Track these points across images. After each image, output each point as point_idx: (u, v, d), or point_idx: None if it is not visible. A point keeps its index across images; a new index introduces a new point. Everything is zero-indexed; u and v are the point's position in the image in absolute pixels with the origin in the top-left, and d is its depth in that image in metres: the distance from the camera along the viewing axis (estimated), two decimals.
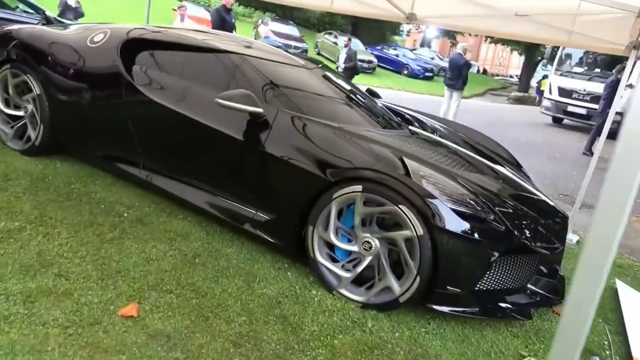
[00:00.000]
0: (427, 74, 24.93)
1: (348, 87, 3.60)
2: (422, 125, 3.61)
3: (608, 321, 2.83)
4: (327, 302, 2.45)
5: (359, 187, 2.36)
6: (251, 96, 2.69)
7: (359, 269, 2.44)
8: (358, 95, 3.55)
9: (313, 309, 2.36)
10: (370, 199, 2.36)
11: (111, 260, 2.44)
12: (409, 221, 2.26)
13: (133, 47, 3.34)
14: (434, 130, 3.53)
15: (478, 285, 2.39)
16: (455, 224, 2.25)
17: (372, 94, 4.16)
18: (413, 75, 24.45)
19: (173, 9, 18.81)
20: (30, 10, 6.76)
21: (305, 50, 21.53)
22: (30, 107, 3.55)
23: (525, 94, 24.69)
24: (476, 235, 2.28)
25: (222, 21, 7.57)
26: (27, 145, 3.56)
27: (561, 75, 13.20)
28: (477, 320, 2.52)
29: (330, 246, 2.56)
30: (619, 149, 0.83)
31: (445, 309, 2.36)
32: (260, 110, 2.67)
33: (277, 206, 2.69)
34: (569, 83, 12.84)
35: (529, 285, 2.67)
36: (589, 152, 9.42)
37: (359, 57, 22.12)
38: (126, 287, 2.24)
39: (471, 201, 2.35)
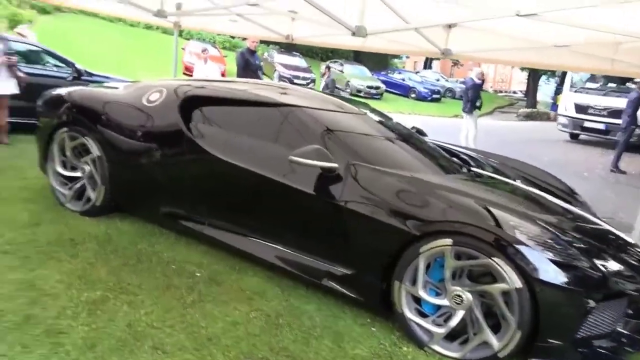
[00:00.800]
0: (434, 95, 25.12)
1: (403, 131, 3.61)
2: (480, 165, 3.59)
3: None
4: None
5: (449, 241, 2.33)
6: (323, 151, 2.70)
7: (452, 323, 2.39)
8: (414, 138, 3.55)
9: None
10: (461, 252, 2.34)
11: (199, 327, 2.41)
12: (505, 274, 2.23)
13: (190, 103, 3.38)
14: (494, 170, 3.52)
15: (576, 335, 2.33)
16: (554, 274, 2.21)
17: (420, 133, 4.16)
18: (421, 98, 24.62)
19: (182, 48, 19.23)
20: (60, 64, 6.88)
21: (313, 80, 21.77)
22: (87, 168, 3.58)
23: (534, 110, 24.73)
24: (575, 284, 2.23)
25: (247, 63, 7.67)
26: (87, 206, 3.58)
27: (576, 91, 13.25)
28: None
29: (418, 300, 2.52)
30: None
31: None
32: (334, 165, 2.68)
33: (358, 260, 2.66)
34: (585, 99, 12.87)
35: (617, 329, 2.61)
36: (616, 169, 9.36)
37: (368, 83, 22.57)
38: (222, 357, 2.21)
39: (565, 249, 2.32)
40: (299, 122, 3.08)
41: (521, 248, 2.23)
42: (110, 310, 2.44)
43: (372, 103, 16.61)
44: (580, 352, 2.34)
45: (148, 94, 3.54)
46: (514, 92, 45.04)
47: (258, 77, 7.82)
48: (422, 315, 2.51)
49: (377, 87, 22.85)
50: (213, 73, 10.53)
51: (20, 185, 4.14)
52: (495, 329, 2.33)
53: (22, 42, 6.89)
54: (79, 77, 6.70)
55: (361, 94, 21.73)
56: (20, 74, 5.65)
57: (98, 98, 3.70)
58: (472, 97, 9.79)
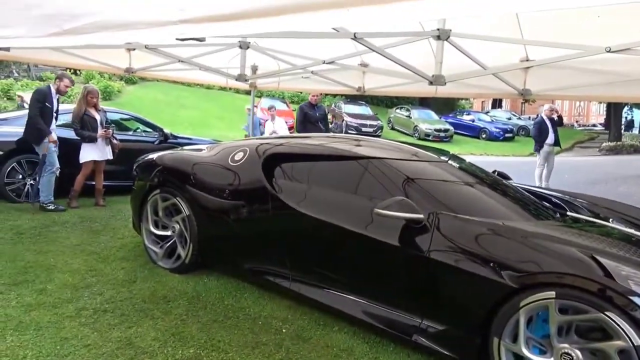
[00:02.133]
0: (506, 135, 24.33)
1: (487, 176, 3.49)
2: (575, 208, 3.37)
3: None
4: None
5: (552, 293, 2.17)
6: (407, 202, 2.66)
7: None
8: (499, 184, 3.42)
9: None
10: (567, 306, 2.16)
11: None
12: (620, 330, 2.02)
13: (272, 161, 3.50)
14: (591, 213, 3.28)
15: None
16: None
17: (503, 176, 4.01)
18: (492, 138, 23.93)
19: (247, 108, 20.23)
20: (148, 129, 7.45)
21: (380, 127, 21.92)
22: (177, 226, 3.76)
23: (619, 143, 23.16)
24: None
25: (305, 116, 7.82)
26: (177, 264, 3.73)
27: None
28: None
29: (520, 358, 2.33)
30: None
31: None
32: (420, 216, 2.62)
33: (450, 315, 2.54)
34: None
35: None
36: None
37: (436, 127, 22.37)
38: None
39: None
40: (381, 174, 3.07)
41: (637, 300, 2.02)
42: None
43: (442, 146, 16.42)
44: None
45: (233, 153, 3.71)
46: (594, 126, 42.43)
47: (319, 129, 7.87)
48: None
49: (446, 130, 22.60)
50: (281, 127, 10.97)
51: (116, 244, 4.43)
52: None
53: (115, 112, 7.54)
54: (165, 140, 7.21)
55: (429, 138, 21.55)
56: (115, 141, 6.16)
57: (186, 160, 3.93)
58: (539, 135, 9.21)
